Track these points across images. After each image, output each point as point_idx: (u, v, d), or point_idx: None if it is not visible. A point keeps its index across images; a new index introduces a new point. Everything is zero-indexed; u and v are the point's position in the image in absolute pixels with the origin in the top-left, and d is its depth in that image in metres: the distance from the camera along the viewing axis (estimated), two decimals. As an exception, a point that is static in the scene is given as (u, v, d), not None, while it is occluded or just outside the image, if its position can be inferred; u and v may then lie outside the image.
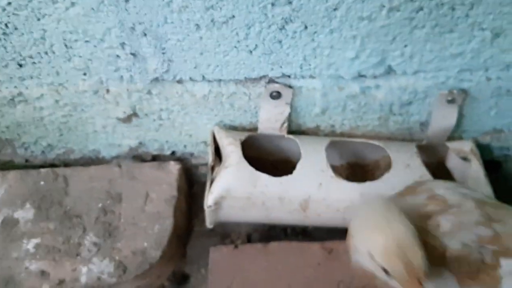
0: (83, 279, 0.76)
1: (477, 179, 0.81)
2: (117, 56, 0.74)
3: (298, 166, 0.78)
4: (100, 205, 0.83)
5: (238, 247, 0.82)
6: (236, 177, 0.76)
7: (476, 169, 0.82)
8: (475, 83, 0.78)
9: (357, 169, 0.90)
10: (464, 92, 0.79)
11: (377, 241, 0.54)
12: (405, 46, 0.72)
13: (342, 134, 0.87)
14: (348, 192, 0.77)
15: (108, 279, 0.76)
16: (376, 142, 0.83)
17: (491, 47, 0.72)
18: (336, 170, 0.87)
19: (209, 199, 0.76)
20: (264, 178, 0.76)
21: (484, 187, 0.80)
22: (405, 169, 0.79)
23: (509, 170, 0.96)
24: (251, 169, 0.76)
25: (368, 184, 0.77)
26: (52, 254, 0.78)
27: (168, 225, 0.81)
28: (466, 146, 0.85)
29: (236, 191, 0.76)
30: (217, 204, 0.76)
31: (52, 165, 0.91)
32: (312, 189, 0.77)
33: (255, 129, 0.85)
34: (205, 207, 0.76)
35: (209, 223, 0.81)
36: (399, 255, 0.52)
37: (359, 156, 0.90)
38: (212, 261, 0.80)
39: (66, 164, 0.92)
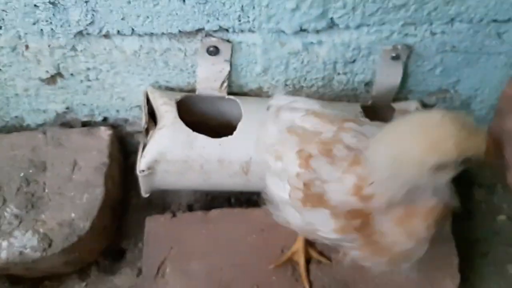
0: (3, 255, 0.69)
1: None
2: (35, 5, 0.66)
3: (239, 127, 0.73)
4: (22, 174, 0.75)
5: (176, 216, 0.77)
6: (171, 139, 0.70)
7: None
8: (420, 38, 0.75)
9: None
10: (409, 47, 0.76)
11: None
12: (347, -5, 0.68)
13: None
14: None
15: (31, 253, 0.69)
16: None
17: (435, -2, 0.70)
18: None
19: (142, 163, 0.70)
20: (202, 139, 0.71)
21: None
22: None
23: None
24: (187, 130, 0.71)
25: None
26: (-34, 228, 0.70)
27: (98, 194, 0.74)
28: (412, 106, 0.83)
29: (172, 154, 0.70)
30: (151, 168, 0.70)
31: (-31, 135, 0.83)
32: (253, 151, 0.72)
33: (193, 90, 0.79)
34: (138, 172, 0.70)
35: (144, 191, 0.75)
36: None
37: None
38: (148, 231, 0.75)
39: (-15, 133, 0.84)
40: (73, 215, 0.72)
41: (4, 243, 0.70)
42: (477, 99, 0.88)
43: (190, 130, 0.71)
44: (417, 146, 0.49)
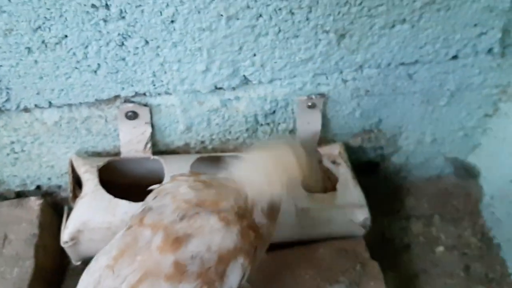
0: None
1: (346, 182, 0.80)
2: (-50, 88, 0.68)
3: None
4: (-50, 253, 0.75)
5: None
6: (92, 207, 0.71)
7: (343, 172, 0.82)
8: (333, 86, 0.78)
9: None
10: (323, 96, 0.79)
11: None
12: (254, 55, 0.71)
13: (214, 150, 0.85)
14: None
15: (-41, 334, 0.69)
16: (243, 155, 0.81)
17: (339, 49, 0.73)
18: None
19: (65, 235, 0.70)
20: (123, 204, 0.72)
21: (353, 189, 0.80)
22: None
23: (387, 169, 0.97)
24: (108, 196, 0.72)
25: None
26: None
27: (28, 266, 0.74)
28: (335, 150, 0.85)
29: (94, 222, 0.71)
30: (75, 239, 0.71)
31: None
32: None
33: (119, 154, 0.81)
34: (62, 244, 0.71)
35: (74, 260, 0.76)
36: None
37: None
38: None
39: None
40: (2, 290, 0.72)
41: None
42: (402, 136, 0.90)
43: (112, 197, 0.72)
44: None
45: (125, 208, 0.72)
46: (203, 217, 0.54)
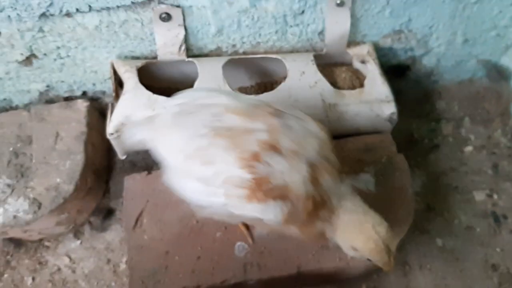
0: (0, 219, 0.78)
1: (373, 79, 0.83)
2: (-2, -6, 0.73)
3: (196, 84, 0.79)
4: (11, 149, 0.83)
5: (151, 173, 0.83)
6: (133, 102, 0.77)
7: (371, 70, 0.84)
8: (361, -19, 0.79)
9: (267, 88, 0.91)
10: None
11: (367, 245, 0.60)
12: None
13: (245, 53, 0.88)
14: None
15: (24, 216, 0.78)
16: (274, 56, 0.84)
17: None
18: (245, 91, 0.88)
19: (110, 127, 0.77)
20: (161, 100, 0.77)
21: (381, 86, 0.82)
22: (300, 76, 0.80)
23: (418, 72, 0.98)
24: (147, 93, 0.77)
25: (264, 95, 0.79)
26: (-34, 200, 0.79)
27: (80, 159, 0.82)
28: (364, 49, 0.87)
29: (135, 115, 0.77)
30: (119, 131, 0.77)
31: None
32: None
33: (156, 57, 0.85)
34: (108, 136, 0.78)
35: (120, 154, 0.82)
36: (387, 251, 0.60)
37: (267, 74, 0.91)
38: (127, 188, 0.82)
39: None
40: (58, 180, 0.80)
41: (0, 210, 0.79)
42: (433, 36, 0.90)
43: (150, 93, 0.77)
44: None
45: (163, 103, 0.77)
46: None
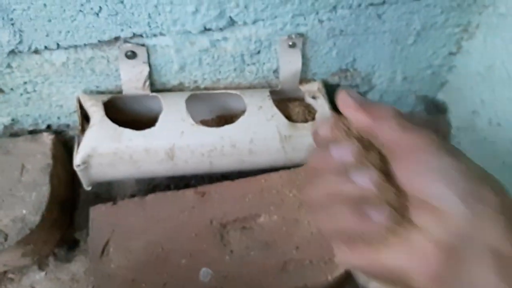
0: (-37, 252, 0.79)
1: (323, 113, 0.91)
2: (-32, 32, 0.76)
3: (160, 118, 0.84)
4: (-25, 181, 0.85)
5: (116, 203, 0.86)
6: (100, 135, 0.81)
7: (321, 104, 0.92)
8: (310, 26, 0.87)
9: (227, 121, 0.98)
10: (302, 35, 0.88)
11: None
12: (239, -4, 0.80)
13: (206, 88, 0.94)
14: (209, 136, 0.84)
15: (-11, 248, 0.79)
16: (233, 91, 0.91)
17: (314, -9, 0.81)
18: (206, 123, 0.94)
19: (77, 159, 0.80)
20: (127, 132, 0.82)
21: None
22: (258, 110, 0.87)
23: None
24: (114, 125, 0.82)
25: (225, 128, 0.85)
26: None
27: (45, 191, 0.84)
28: (314, 86, 0.95)
29: (102, 147, 0.80)
30: (86, 162, 0.80)
31: None
32: (175, 138, 0.83)
33: (121, 92, 0.90)
34: (75, 167, 0.81)
35: (86, 185, 0.85)
36: None
37: (226, 108, 0.97)
38: (92, 218, 0.85)
39: None
40: (24, 211, 0.82)
41: (-35, 242, 0.79)
42: (376, 74, 1.00)
43: (117, 126, 0.81)
44: None
45: (129, 135, 0.81)
46: None
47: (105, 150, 0.81)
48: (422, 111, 1.10)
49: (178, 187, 0.98)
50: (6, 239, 0.80)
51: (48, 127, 0.95)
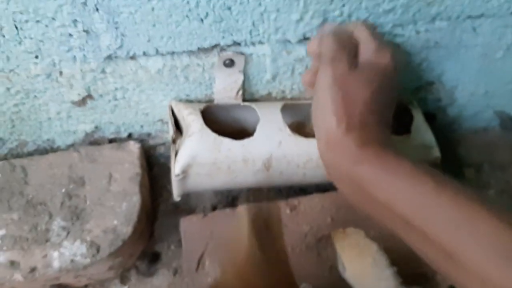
0: (56, 264, 0.75)
1: (419, 127, 0.89)
2: (70, 34, 0.74)
3: (258, 128, 0.81)
4: (63, 190, 0.82)
5: (207, 215, 0.84)
6: (200, 144, 0.78)
7: (418, 119, 0.90)
8: (407, 37, 0.86)
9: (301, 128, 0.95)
10: (398, 46, 0.87)
11: None
12: (343, 5, 0.78)
13: (292, 99, 0.92)
14: (306, 147, 0.81)
15: (82, 260, 0.76)
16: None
17: (418, 1, 0.80)
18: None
19: (177, 168, 0.77)
20: (227, 142, 0.79)
21: (425, 133, 0.89)
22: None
23: (443, 120, 1.06)
24: (214, 134, 0.79)
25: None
26: (19, 244, 0.76)
27: (136, 201, 0.82)
28: (407, 99, 0.94)
29: (202, 157, 0.78)
30: (185, 172, 0.78)
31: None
32: (272, 148, 0.80)
33: (210, 101, 0.88)
34: (173, 176, 0.78)
35: (176, 195, 0.82)
36: None
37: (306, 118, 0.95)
38: (184, 230, 0.82)
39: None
40: (115, 222, 0.79)
41: (55, 254, 0.76)
42: (459, 88, 0.99)
43: (216, 135, 0.79)
44: None
45: (228, 145, 0.79)
46: None
47: (205, 160, 0.78)
48: (496, 126, 1.09)
49: (258, 199, 0.95)
50: (98, 251, 0.77)
51: (129, 135, 0.93)
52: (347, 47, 0.69)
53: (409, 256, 0.80)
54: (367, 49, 0.69)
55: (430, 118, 1.04)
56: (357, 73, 0.65)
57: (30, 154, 0.90)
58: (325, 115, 0.62)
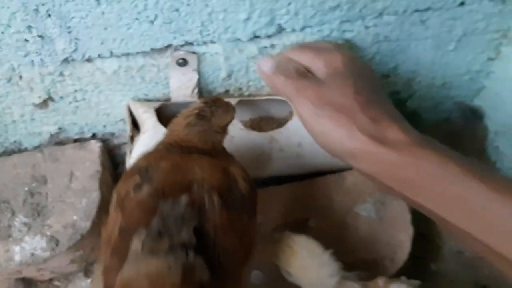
0: (17, 258, 0.79)
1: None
2: (26, 40, 0.77)
3: (211, 124, 0.84)
4: (26, 188, 0.85)
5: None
6: (153, 140, 0.80)
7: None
8: (356, 32, 0.88)
9: (264, 124, 0.98)
10: (348, 41, 0.89)
11: None
12: (289, 4, 0.81)
13: (250, 96, 0.95)
14: (258, 141, 0.84)
15: (41, 253, 0.79)
16: (279, 97, 0.92)
17: (362, -3, 0.83)
18: (244, 124, 0.95)
19: (130, 164, 0.80)
20: (179, 138, 0.82)
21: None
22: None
23: (403, 113, 1.05)
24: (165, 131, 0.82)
25: (274, 132, 0.85)
26: (-18, 240, 0.80)
27: (95, 197, 0.85)
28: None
29: (155, 152, 0.81)
30: (139, 167, 0.81)
31: (-27, 162, 0.93)
32: (226, 143, 0.83)
33: (168, 100, 0.91)
34: (128, 172, 0.81)
35: (135, 191, 0.85)
36: None
37: (267, 113, 0.98)
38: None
39: (-12, 160, 0.94)
40: (75, 217, 0.82)
41: (17, 248, 0.79)
42: (416, 80, 1.01)
43: (169, 131, 0.82)
44: None
45: (181, 141, 0.82)
46: None
47: (158, 155, 0.81)
48: (459, 117, 1.11)
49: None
50: (57, 245, 0.80)
51: (93, 135, 0.96)
52: (299, 72, 0.68)
53: (356, 244, 0.83)
54: (317, 67, 0.68)
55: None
56: (327, 84, 0.64)
57: (-2, 156, 0.94)
58: (336, 132, 0.60)
